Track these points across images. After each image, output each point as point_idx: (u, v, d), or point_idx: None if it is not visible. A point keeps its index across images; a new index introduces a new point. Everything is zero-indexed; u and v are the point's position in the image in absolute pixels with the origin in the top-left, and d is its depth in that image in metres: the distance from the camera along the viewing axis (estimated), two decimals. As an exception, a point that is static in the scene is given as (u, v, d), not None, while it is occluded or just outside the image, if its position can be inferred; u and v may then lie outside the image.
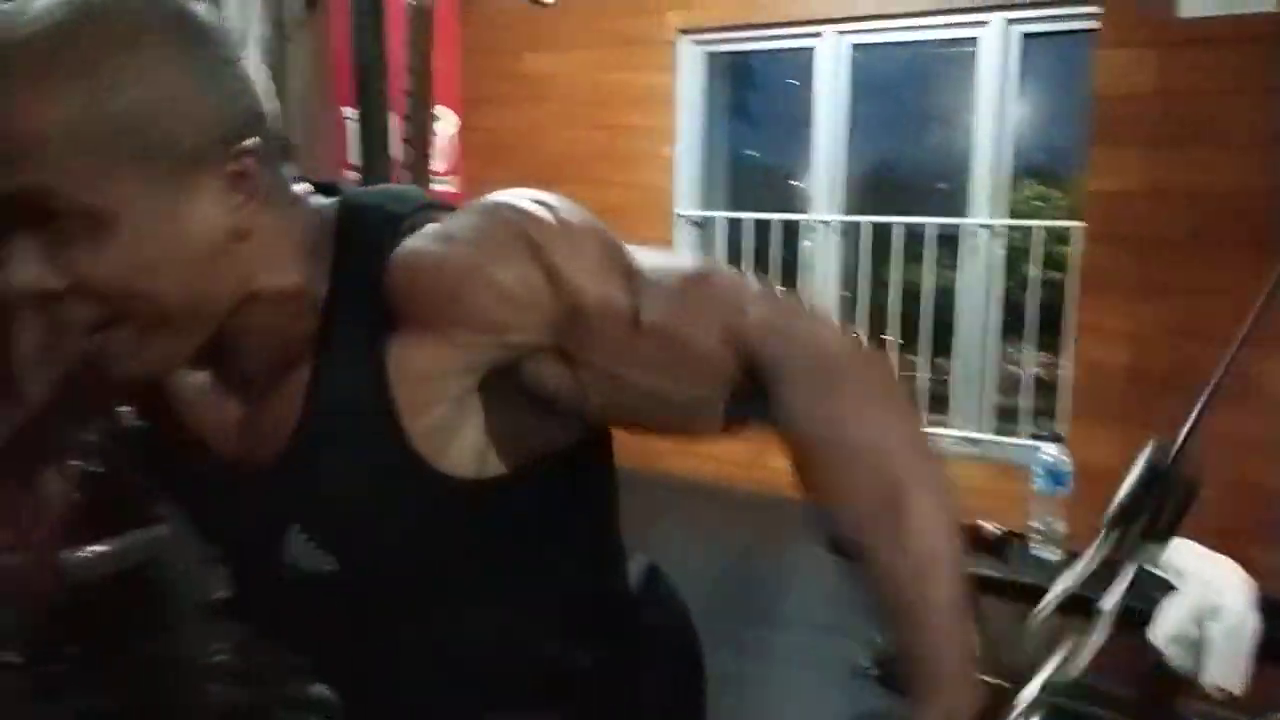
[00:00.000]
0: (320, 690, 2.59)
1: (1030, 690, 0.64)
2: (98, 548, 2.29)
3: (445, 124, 4.07)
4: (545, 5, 3.16)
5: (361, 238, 0.71)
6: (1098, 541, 0.90)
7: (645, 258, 0.73)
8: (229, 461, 0.77)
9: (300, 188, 0.75)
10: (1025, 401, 4.06)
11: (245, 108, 0.67)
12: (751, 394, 0.68)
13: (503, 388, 0.70)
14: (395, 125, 2.65)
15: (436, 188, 4.02)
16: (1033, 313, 3.96)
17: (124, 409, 0.85)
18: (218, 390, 0.77)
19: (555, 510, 0.80)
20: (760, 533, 4.11)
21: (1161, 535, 0.87)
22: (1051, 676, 0.68)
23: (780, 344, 0.68)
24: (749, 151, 5.44)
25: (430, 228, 0.70)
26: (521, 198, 0.71)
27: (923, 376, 4.33)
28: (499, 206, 0.71)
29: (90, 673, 2.51)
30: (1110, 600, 0.70)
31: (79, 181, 0.60)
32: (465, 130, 5.08)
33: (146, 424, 0.83)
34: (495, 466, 0.73)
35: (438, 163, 4.01)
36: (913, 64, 4.77)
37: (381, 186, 0.80)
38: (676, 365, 0.69)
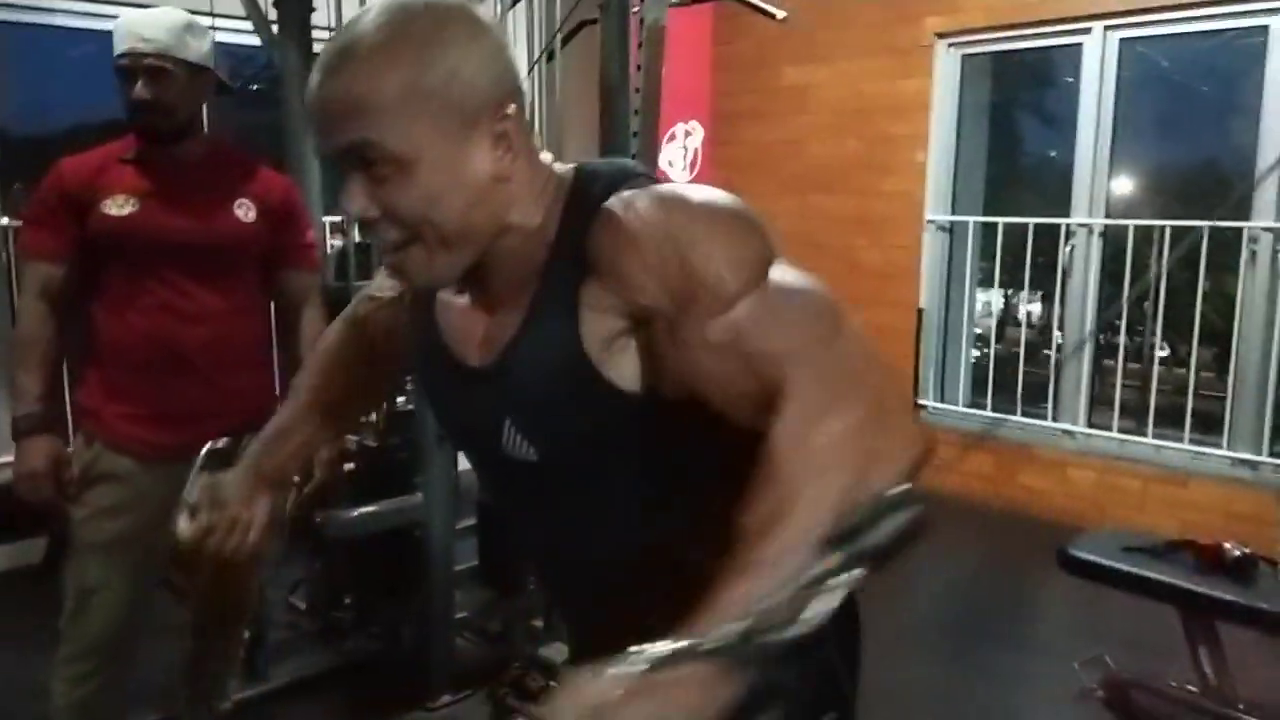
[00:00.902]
0: (552, 652, 2.85)
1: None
2: (366, 509, 2.70)
3: (693, 137, 4.29)
4: (778, 21, 3.28)
5: (587, 195, 0.90)
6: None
7: (770, 270, 0.83)
8: (469, 365, 0.98)
9: (547, 156, 0.96)
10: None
11: (510, 83, 0.88)
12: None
13: (648, 332, 0.86)
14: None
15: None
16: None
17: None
18: (469, 311, 0.99)
19: (700, 430, 0.87)
20: (1000, 551, 3.98)
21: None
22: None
23: (805, 378, 0.76)
24: (1051, 153, 5.24)
25: (625, 194, 0.86)
26: (697, 191, 0.87)
27: (1190, 392, 4.01)
28: (673, 196, 0.86)
29: (365, 620, 2.94)
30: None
31: (395, 136, 0.83)
32: (724, 143, 5.31)
33: (420, 336, 1.06)
34: (649, 387, 0.88)
35: (683, 173, 4.25)
36: (1202, 57, 4.42)
37: (611, 159, 1.00)
38: (734, 362, 0.81)
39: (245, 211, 2.04)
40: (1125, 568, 2.55)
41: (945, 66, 4.70)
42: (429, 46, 0.84)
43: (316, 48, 2.92)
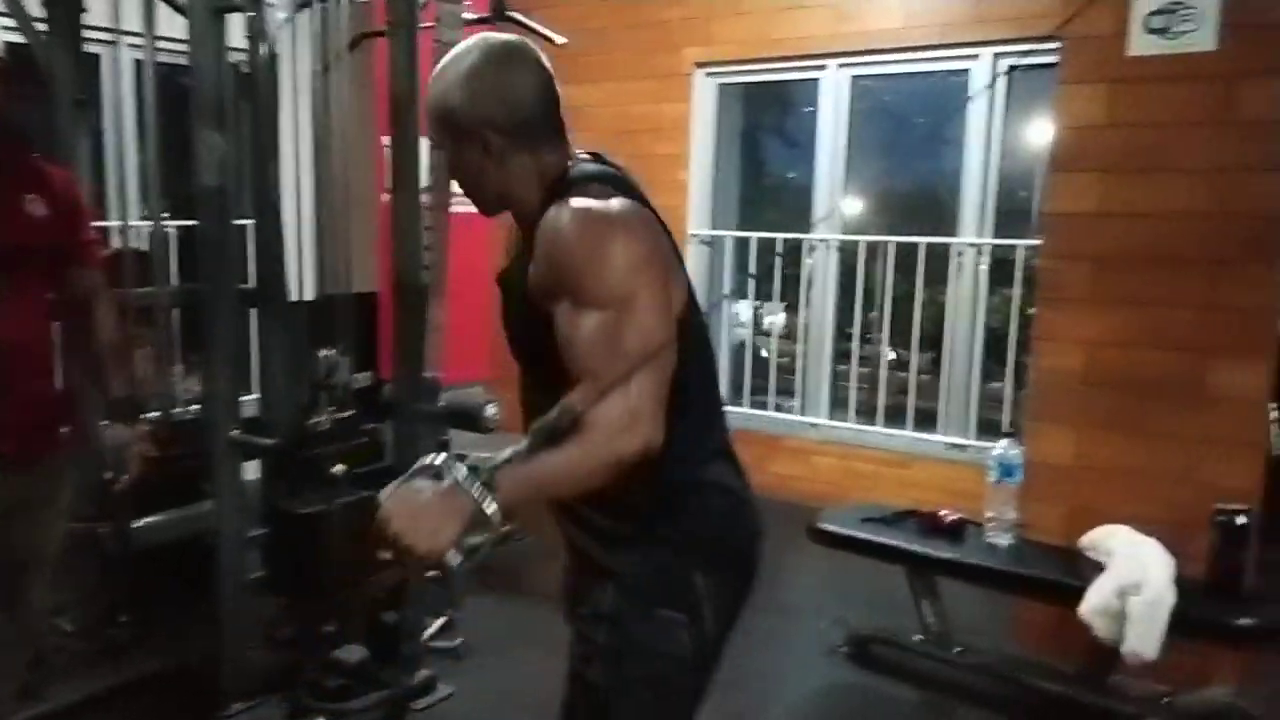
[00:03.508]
0: (345, 654, 2.90)
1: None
2: (154, 518, 2.66)
3: (475, 150, 4.42)
4: (558, 45, 3.51)
5: (558, 189, 1.35)
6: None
7: (618, 295, 1.26)
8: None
9: (574, 151, 1.44)
10: (1004, 411, 4.35)
11: (489, 117, 1.37)
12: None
13: None
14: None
15: (467, 209, 4.37)
16: (1015, 328, 4.25)
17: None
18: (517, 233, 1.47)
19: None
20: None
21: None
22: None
23: (592, 387, 1.24)
24: (791, 174, 5.75)
25: (569, 200, 1.30)
26: (596, 208, 1.30)
27: (912, 387, 4.64)
28: (573, 211, 1.30)
29: (149, 635, 2.86)
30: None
31: (456, 128, 1.38)
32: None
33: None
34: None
35: (466, 185, 4.38)
36: (919, 92, 5.07)
37: (594, 166, 1.44)
38: (564, 344, 1.29)
39: (36, 207, 1.99)
40: (863, 535, 2.97)
41: (702, 93, 5.12)
42: (463, 86, 1.37)
43: (91, 48, 2.85)
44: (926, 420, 4.64)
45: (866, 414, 4.85)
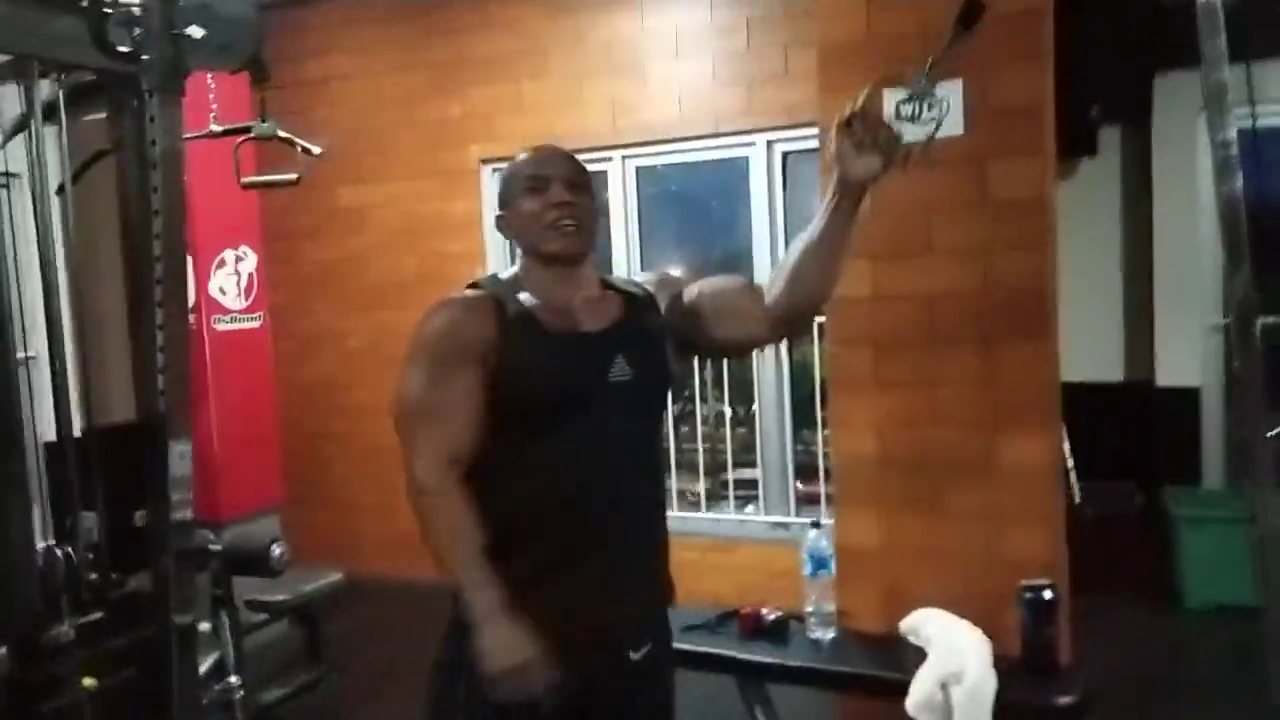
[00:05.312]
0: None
1: None
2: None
3: (246, 262, 4.13)
4: (313, 155, 3.32)
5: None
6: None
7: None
8: (587, 331, 1.72)
9: None
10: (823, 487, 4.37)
11: None
12: None
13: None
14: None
15: (236, 326, 4.07)
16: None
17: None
18: (567, 310, 1.73)
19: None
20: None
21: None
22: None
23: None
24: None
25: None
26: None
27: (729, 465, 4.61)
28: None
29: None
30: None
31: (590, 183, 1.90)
32: (285, 262, 5.17)
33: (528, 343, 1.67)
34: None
35: (237, 300, 4.07)
36: (706, 178, 5.15)
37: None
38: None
39: None
40: (687, 647, 2.81)
41: (491, 189, 5.01)
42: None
43: None
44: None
45: (688, 469, 4.79)
